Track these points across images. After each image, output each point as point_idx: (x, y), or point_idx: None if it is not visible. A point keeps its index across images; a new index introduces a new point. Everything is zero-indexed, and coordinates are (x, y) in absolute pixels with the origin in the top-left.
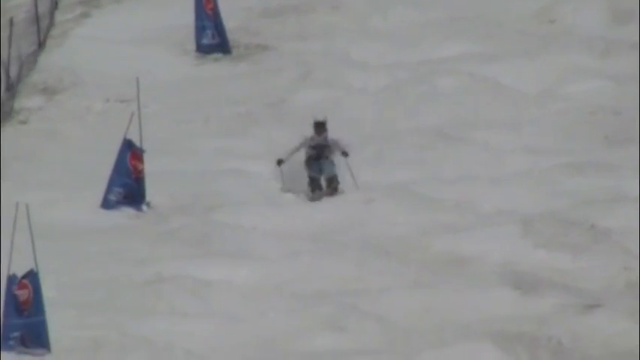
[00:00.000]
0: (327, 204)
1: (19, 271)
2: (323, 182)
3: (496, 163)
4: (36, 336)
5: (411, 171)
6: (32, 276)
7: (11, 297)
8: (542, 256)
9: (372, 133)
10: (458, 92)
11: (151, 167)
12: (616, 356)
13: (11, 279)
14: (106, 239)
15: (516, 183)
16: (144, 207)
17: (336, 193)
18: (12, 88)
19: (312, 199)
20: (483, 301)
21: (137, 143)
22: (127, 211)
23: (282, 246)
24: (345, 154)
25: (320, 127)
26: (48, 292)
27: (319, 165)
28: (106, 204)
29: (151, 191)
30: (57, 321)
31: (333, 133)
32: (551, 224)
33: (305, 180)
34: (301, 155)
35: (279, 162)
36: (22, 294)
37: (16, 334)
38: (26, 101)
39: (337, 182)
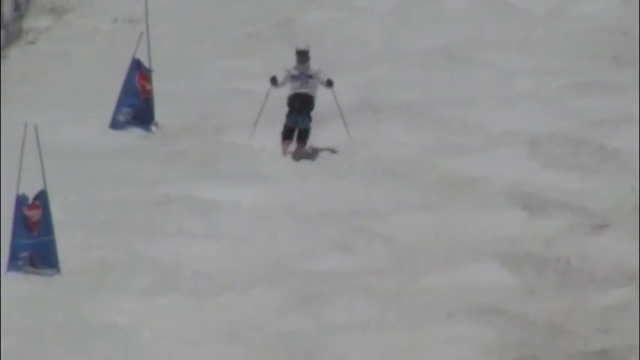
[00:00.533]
0: (335, 125)
1: (28, 192)
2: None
3: (504, 83)
4: (45, 256)
5: (418, 92)
6: (42, 196)
7: (21, 217)
8: (550, 177)
9: (378, 54)
10: (465, 13)
11: (159, 88)
12: (624, 276)
13: (21, 199)
14: (114, 160)
15: (524, 103)
16: (152, 127)
17: (305, 149)
18: (20, 9)
19: (283, 152)
20: (491, 222)
21: (145, 63)
22: (136, 132)
23: (290, 167)
24: (329, 83)
25: (302, 55)
26: (56, 212)
27: (296, 117)
28: (115, 124)
29: (160, 112)
30: (65, 241)
31: (339, 53)
32: (559, 144)
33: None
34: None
35: (274, 80)
36: (33, 215)
37: (25, 254)
38: (34, 22)
39: (307, 136)
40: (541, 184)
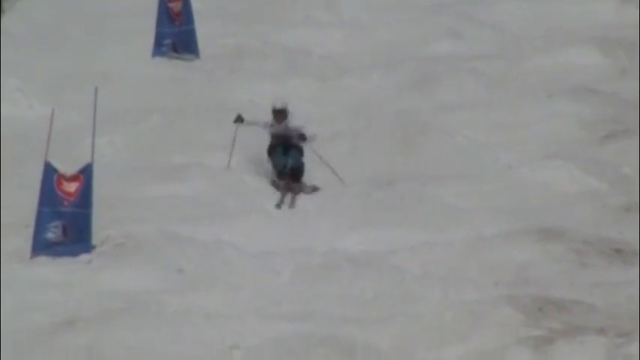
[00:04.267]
0: None
1: None
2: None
3: None
4: (186, 43)
5: None
6: None
7: (164, 9)
8: None
9: None
10: None
11: None
12: None
13: None
14: None
15: None
16: None
17: (301, 188)
18: None
19: (279, 189)
20: (587, 10)
21: None
22: None
23: None
24: (302, 137)
25: (279, 114)
26: (196, 3)
27: (285, 157)
28: None
29: None
30: (204, 30)
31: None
32: None
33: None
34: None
35: (239, 118)
36: (175, 6)
37: (168, 41)
38: None
39: (302, 173)
40: None
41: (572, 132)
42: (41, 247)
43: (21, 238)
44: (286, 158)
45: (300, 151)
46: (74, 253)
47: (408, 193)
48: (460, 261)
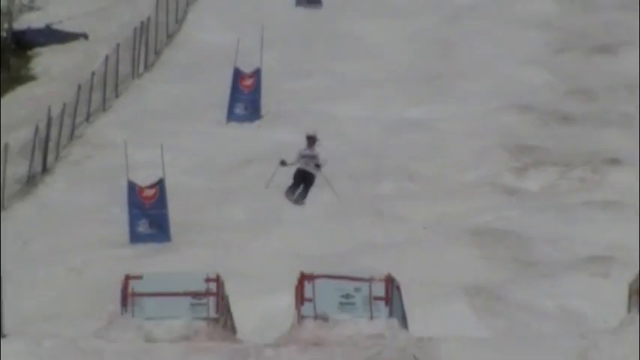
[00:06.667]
0: None
1: None
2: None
3: None
4: None
5: None
6: None
7: None
8: None
9: None
10: None
11: None
12: None
13: None
14: None
15: None
16: None
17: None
18: None
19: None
20: None
21: None
22: None
23: None
24: (317, 166)
25: (311, 140)
26: None
27: (295, 190)
28: None
29: None
30: None
31: None
32: None
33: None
34: None
35: (283, 163)
36: None
37: None
38: None
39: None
40: None
41: None
42: (232, 117)
43: (219, 113)
44: (296, 191)
45: (313, 178)
46: (251, 120)
47: (448, 86)
48: (475, 126)
